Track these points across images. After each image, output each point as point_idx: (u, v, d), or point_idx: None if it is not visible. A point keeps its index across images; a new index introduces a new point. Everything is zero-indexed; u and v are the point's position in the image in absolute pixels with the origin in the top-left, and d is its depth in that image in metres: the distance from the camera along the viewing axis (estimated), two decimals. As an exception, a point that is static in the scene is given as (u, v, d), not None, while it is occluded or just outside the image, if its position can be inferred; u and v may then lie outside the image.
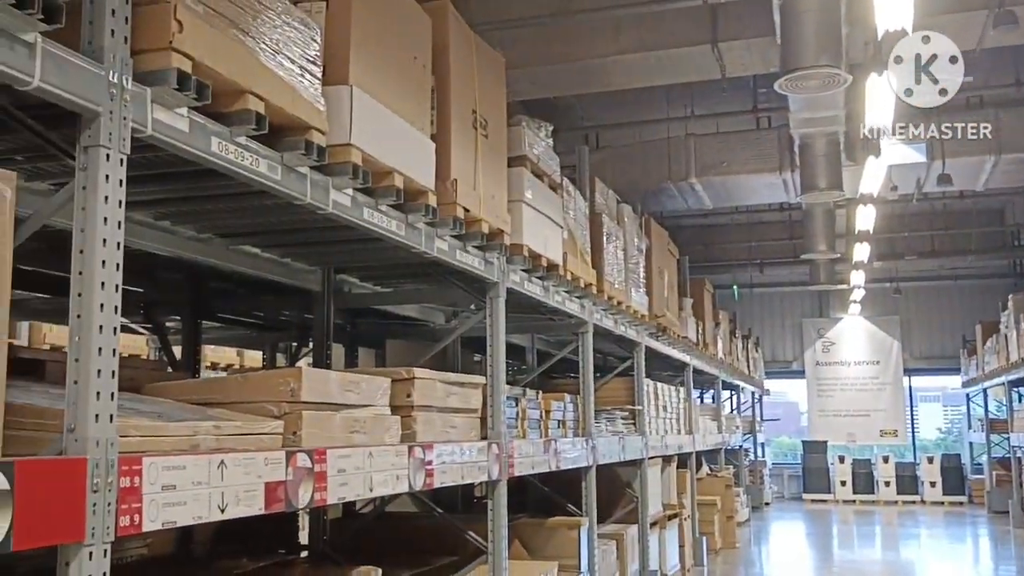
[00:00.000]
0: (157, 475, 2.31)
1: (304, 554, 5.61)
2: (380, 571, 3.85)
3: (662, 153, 13.10)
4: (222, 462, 2.56)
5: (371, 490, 3.42)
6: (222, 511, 2.54)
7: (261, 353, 9.03)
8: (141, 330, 6.80)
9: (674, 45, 9.59)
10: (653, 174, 13.20)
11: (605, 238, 6.88)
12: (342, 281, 5.62)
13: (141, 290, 5.19)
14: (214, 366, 10.22)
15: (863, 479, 20.54)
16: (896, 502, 20.01)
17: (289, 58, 2.99)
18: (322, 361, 5.21)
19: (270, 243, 4.74)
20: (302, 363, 7.62)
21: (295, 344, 7.72)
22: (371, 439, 3.57)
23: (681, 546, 9.73)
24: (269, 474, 2.78)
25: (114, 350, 2.23)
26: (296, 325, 7.13)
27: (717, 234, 19.37)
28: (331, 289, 5.31)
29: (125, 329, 6.96)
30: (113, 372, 2.22)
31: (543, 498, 6.92)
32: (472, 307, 6.60)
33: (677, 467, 10.19)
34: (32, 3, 1.99)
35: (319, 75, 3.16)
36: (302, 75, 3.06)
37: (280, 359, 8.40)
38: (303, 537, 6.41)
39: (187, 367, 5.45)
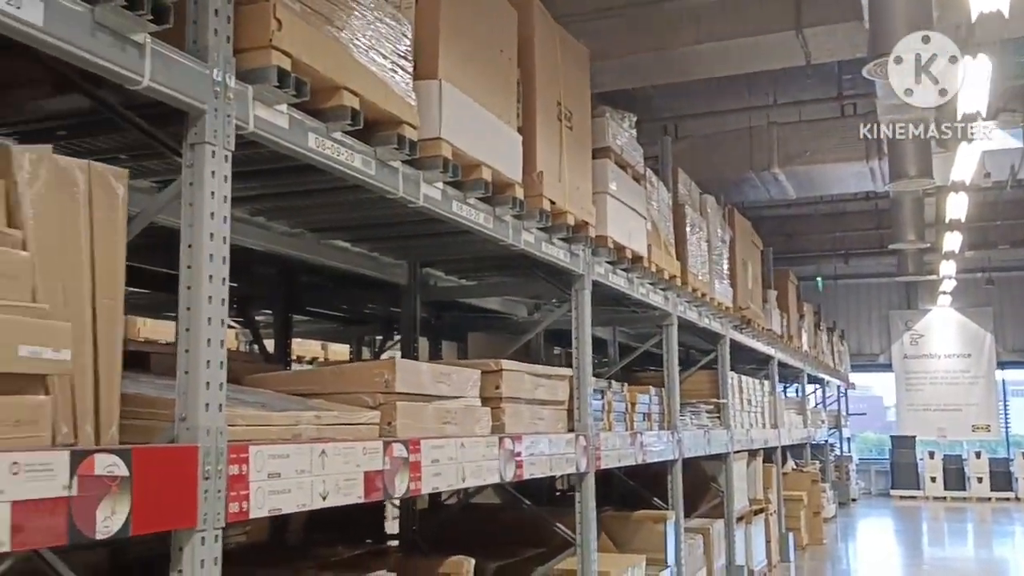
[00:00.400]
0: (263, 463, 2.37)
1: (391, 544, 5.68)
2: (472, 561, 3.89)
3: (744, 143, 12.88)
4: (323, 451, 2.61)
5: (463, 480, 3.44)
6: (324, 499, 2.59)
7: (348, 346, 9.22)
8: (232, 324, 6.99)
9: (756, 32, 9.40)
10: (734, 164, 12.99)
11: (688, 229, 6.81)
12: (428, 274, 5.67)
13: (235, 285, 5.32)
14: (299, 359, 10.42)
15: (954, 475, 19.94)
16: (989, 499, 19.35)
17: (381, 54, 3.03)
18: (409, 354, 5.27)
19: (360, 237, 4.81)
20: (386, 355, 7.74)
21: (380, 337, 7.85)
22: (462, 430, 3.60)
23: (768, 542, 9.59)
24: (367, 463, 2.82)
25: (222, 341, 2.30)
26: (381, 318, 7.24)
27: (800, 224, 18.95)
28: (418, 282, 5.37)
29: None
30: (221, 363, 2.29)
31: (627, 491, 6.89)
32: (554, 300, 6.60)
33: (763, 462, 10.04)
34: (141, 4, 2.05)
35: (410, 70, 3.19)
36: (394, 70, 3.09)
37: (364, 352, 8.55)
38: (388, 527, 6.52)
39: (279, 360, 5.56)
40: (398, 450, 2.99)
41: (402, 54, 3.16)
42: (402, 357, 5.28)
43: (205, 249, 2.29)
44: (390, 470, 2.94)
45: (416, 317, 5.37)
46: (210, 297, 2.29)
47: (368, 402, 3.19)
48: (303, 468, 2.52)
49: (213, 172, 2.32)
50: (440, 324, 7.06)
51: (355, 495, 2.75)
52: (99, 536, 1.88)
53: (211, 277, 2.30)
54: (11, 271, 1.87)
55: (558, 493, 8.14)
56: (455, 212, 3.63)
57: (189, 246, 2.29)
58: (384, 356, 7.75)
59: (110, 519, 1.90)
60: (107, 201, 2.16)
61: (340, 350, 10.20)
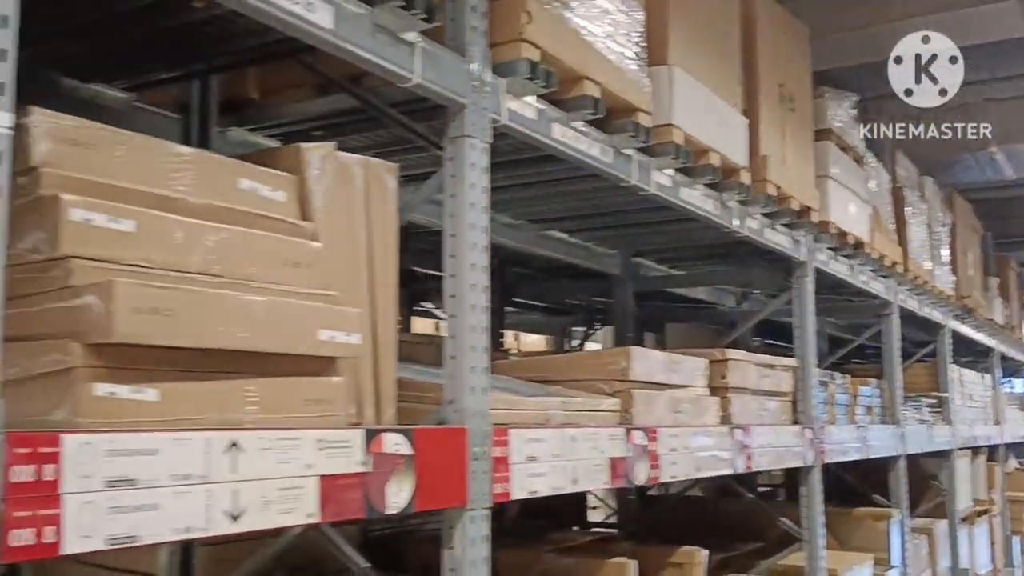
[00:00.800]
0: (522, 446, 2.43)
1: (596, 532, 5.70)
2: (706, 552, 3.84)
3: (956, 121, 12.08)
4: (573, 436, 2.65)
5: (698, 470, 3.41)
6: (575, 483, 2.63)
7: (544, 337, 9.32)
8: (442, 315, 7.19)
9: (973, 3, 8.79)
10: (945, 144, 12.18)
11: (909, 213, 6.47)
12: (637, 264, 5.64)
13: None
14: (497, 349, 10.57)
15: None
16: None
17: (617, 42, 3.03)
18: (624, 344, 5.26)
19: (576, 227, 4.85)
20: (589, 346, 7.78)
21: (583, 328, 7.89)
22: (693, 419, 3.57)
23: (992, 545, 8.97)
24: (611, 450, 2.84)
25: (484, 328, 2.36)
26: (583, 308, 7.28)
27: (1017, 207, 17.55)
28: (630, 272, 5.36)
29: (427, 315, 7.41)
30: (484, 348, 2.36)
31: (841, 487, 6.60)
32: (759, 292, 6.42)
33: (986, 460, 9.41)
34: (414, 3, 2.13)
35: (644, 57, 3.18)
36: (629, 58, 3.09)
37: (564, 343, 8.62)
38: (589, 515, 6.57)
39: (494, 350, 5.69)
40: (639, 437, 2.99)
41: (636, 41, 3.15)
42: (615, 347, 5.31)
43: (467, 238, 2.36)
44: (632, 457, 2.94)
45: (628, 307, 5.37)
46: (472, 285, 2.36)
47: (604, 389, 3.22)
48: (556, 452, 2.56)
49: (473, 164, 2.39)
50: (643, 315, 7.01)
51: (601, 480, 2.78)
52: (389, 511, 1.98)
53: (473, 265, 2.37)
54: (307, 261, 1.99)
55: (764, 489, 7.92)
56: (683, 199, 3.59)
57: (452, 236, 2.37)
58: (587, 347, 7.81)
59: (398, 495, 2.00)
60: (381, 194, 2.27)
61: (532, 340, 10.30)
